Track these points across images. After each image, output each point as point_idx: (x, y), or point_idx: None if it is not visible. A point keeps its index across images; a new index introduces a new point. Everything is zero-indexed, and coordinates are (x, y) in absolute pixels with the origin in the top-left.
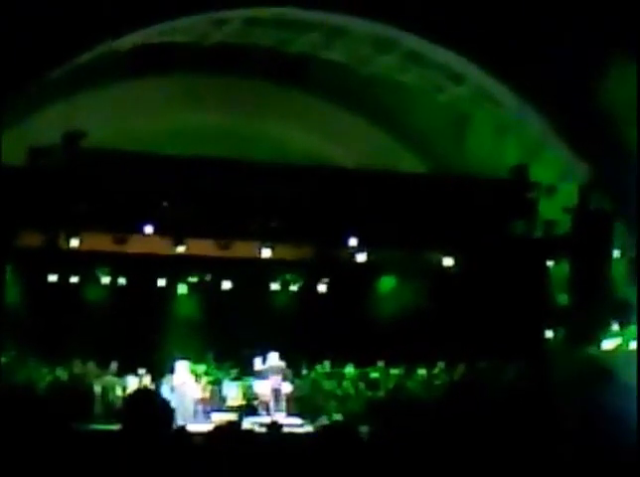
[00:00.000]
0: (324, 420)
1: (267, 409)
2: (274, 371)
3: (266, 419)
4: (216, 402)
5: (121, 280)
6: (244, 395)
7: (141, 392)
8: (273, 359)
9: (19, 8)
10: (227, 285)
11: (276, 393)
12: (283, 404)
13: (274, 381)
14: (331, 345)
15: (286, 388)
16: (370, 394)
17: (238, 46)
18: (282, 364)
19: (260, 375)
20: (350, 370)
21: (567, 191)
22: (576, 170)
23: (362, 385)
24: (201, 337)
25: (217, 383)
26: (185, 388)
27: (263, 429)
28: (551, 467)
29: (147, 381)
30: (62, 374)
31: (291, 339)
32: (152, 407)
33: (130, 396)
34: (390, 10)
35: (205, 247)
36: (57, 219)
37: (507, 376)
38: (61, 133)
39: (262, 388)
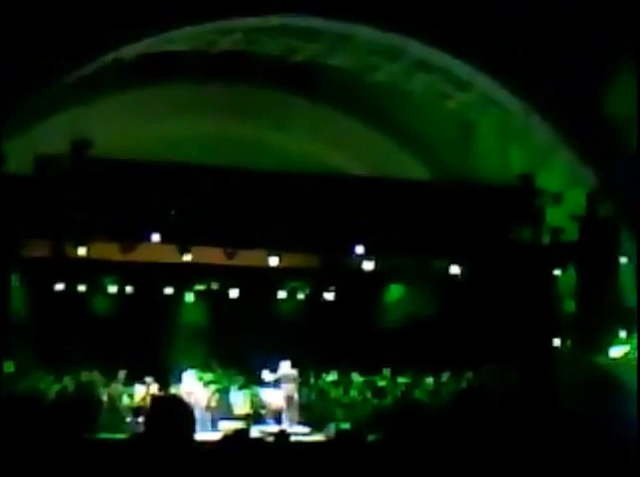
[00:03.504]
0: (331, 429)
1: (277, 418)
2: (287, 379)
3: (274, 428)
4: (223, 411)
5: (128, 289)
6: (252, 403)
7: (166, 397)
8: (285, 367)
9: (26, 17)
10: (234, 293)
11: (290, 401)
12: (296, 413)
13: (288, 389)
14: (338, 353)
15: (296, 396)
16: (377, 402)
17: (243, 54)
18: (295, 372)
19: (273, 383)
20: (357, 378)
21: (575, 198)
22: (584, 177)
23: (369, 393)
24: (208, 345)
25: (224, 391)
26: (192, 396)
27: (271, 438)
28: (555, 472)
29: (154, 389)
30: (69, 383)
31: (298, 347)
32: (177, 413)
33: (155, 400)
34: (396, 17)
35: (212, 256)
36: (63, 227)
37: (513, 383)
38: (67, 142)
39: (275, 396)
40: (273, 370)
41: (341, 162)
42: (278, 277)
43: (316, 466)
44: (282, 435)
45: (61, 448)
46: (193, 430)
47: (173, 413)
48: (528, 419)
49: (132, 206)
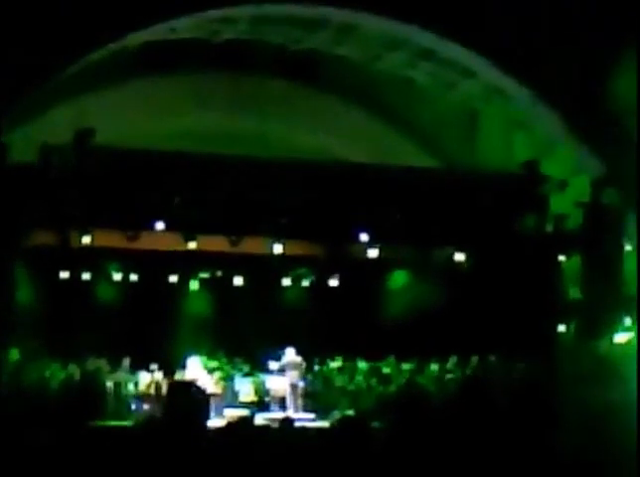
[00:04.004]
0: (336, 416)
1: (281, 405)
2: (292, 366)
3: (279, 415)
4: (228, 398)
5: (133, 277)
6: (257, 390)
7: (182, 383)
8: (290, 354)
9: (28, 8)
10: (238, 281)
11: (294, 388)
12: (301, 400)
13: (292, 376)
14: (343, 340)
15: (300, 383)
16: (381, 389)
17: (247, 43)
18: (300, 359)
19: (278, 371)
20: (362, 365)
21: (579, 185)
22: (588, 165)
23: (374, 380)
24: (212, 333)
25: (229, 378)
26: (197, 384)
27: (275, 425)
28: (555, 461)
29: (159, 377)
30: (74, 371)
31: (303, 335)
32: (193, 398)
33: (172, 386)
34: (400, 6)
35: (216, 244)
36: (68, 216)
37: (517, 371)
38: (72, 132)
39: (279, 383)
40: (278, 357)
41: (345, 153)
42: (283, 265)
43: (320, 453)
44: (287, 422)
45: (66, 435)
46: (208, 416)
47: (191, 399)
48: (530, 410)
49: (136, 194)
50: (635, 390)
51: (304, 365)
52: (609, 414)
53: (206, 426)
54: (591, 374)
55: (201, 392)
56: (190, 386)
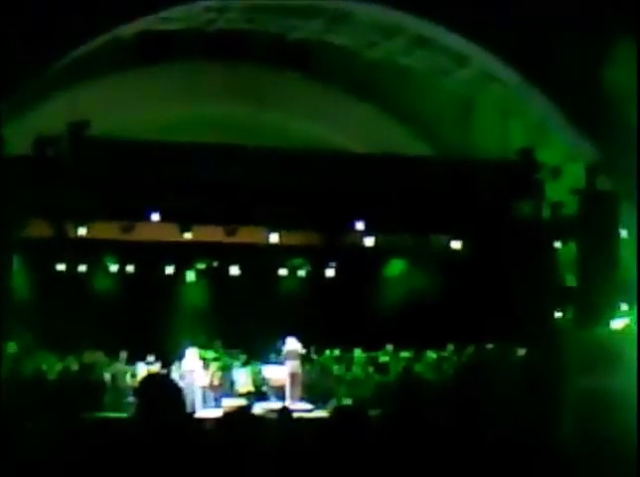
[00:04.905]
0: (334, 405)
1: (279, 395)
2: (292, 356)
3: (277, 405)
4: (225, 389)
5: (129, 268)
6: (254, 380)
7: (153, 376)
8: (291, 344)
9: (21, 1)
10: (234, 271)
11: (293, 378)
12: (299, 390)
13: (292, 366)
14: (340, 329)
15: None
16: (379, 377)
17: (241, 33)
18: (301, 349)
19: (278, 359)
20: (359, 354)
21: (574, 172)
22: (583, 151)
23: (371, 369)
24: (209, 323)
25: (226, 369)
26: (194, 374)
27: (274, 415)
28: (556, 449)
29: (157, 368)
30: (72, 363)
31: (300, 324)
32: (164, 392)
33: (142, 380)
34: None
35: (212, 234)
36: (64, 208)
37: (515, 357)
38: (66, 123)
39: (277, 373)
40: (279, 350)
41: (341, 141)
42: (279, 254)
43: (318, 442)
44: (285, 412)
45: (64, 427)
46: (180, 407)
47: (156, 394)
48: (529, 395)
49: (131, 185)
50: (635, 376)
51: (302, 353)
52: (608, 401)
53: (185, 416)
54: (589, 360)
55: (168, 384)
56: (155, 380)
